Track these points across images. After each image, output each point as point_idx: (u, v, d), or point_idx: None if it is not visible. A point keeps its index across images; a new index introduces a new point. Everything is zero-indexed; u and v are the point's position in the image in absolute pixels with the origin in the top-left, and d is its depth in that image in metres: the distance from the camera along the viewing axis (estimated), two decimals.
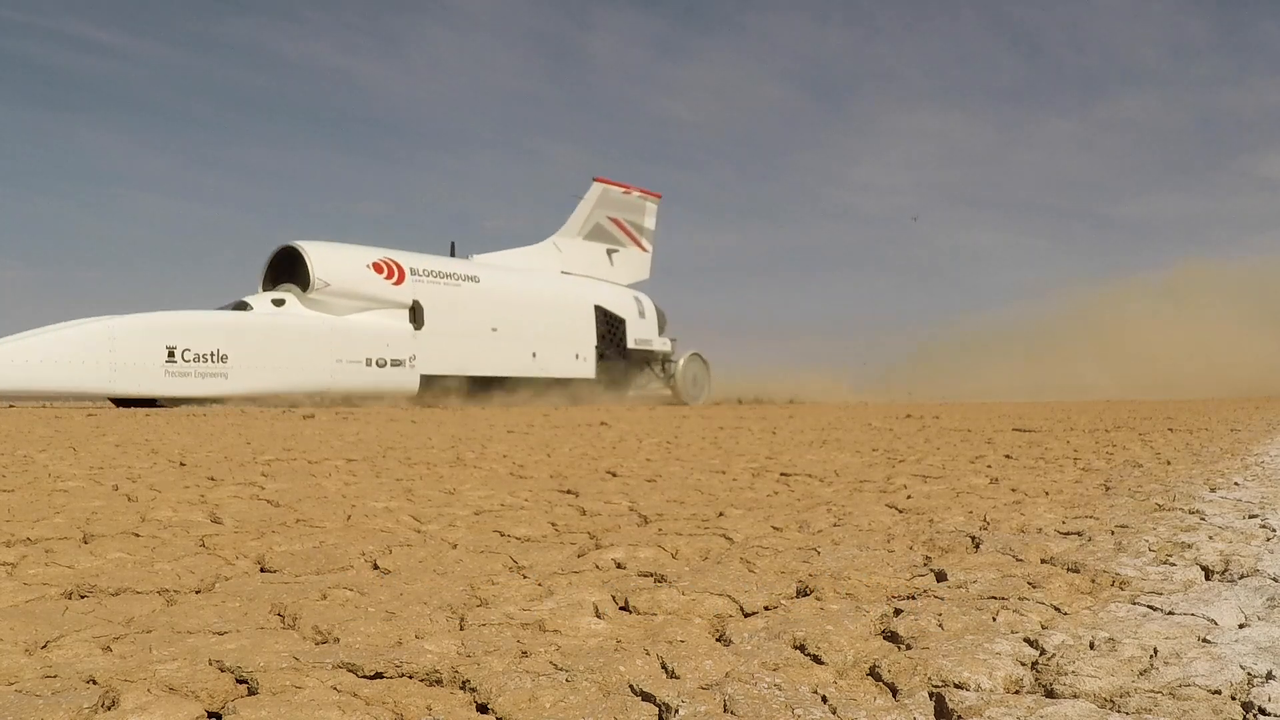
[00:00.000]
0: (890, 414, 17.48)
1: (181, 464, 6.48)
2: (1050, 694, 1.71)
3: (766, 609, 2.35)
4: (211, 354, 20.94)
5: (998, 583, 2.55)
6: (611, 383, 29.84)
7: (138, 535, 3.44)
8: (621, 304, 30.81)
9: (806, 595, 2.52)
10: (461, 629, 2.16)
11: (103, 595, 2.49)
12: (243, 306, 22.71)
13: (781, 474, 5.97)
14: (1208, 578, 2.63)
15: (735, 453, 7.83)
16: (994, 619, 2.18)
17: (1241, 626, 2.12)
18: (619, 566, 2.89)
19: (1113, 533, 3.37)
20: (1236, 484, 4.99)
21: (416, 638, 2.07)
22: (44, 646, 2.00)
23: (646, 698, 1.66)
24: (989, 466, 6.39)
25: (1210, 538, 3.23)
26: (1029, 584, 2.53)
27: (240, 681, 1.78)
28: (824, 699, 1.67)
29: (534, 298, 28.36)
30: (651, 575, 2.69)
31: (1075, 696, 1.67)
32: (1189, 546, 3.05)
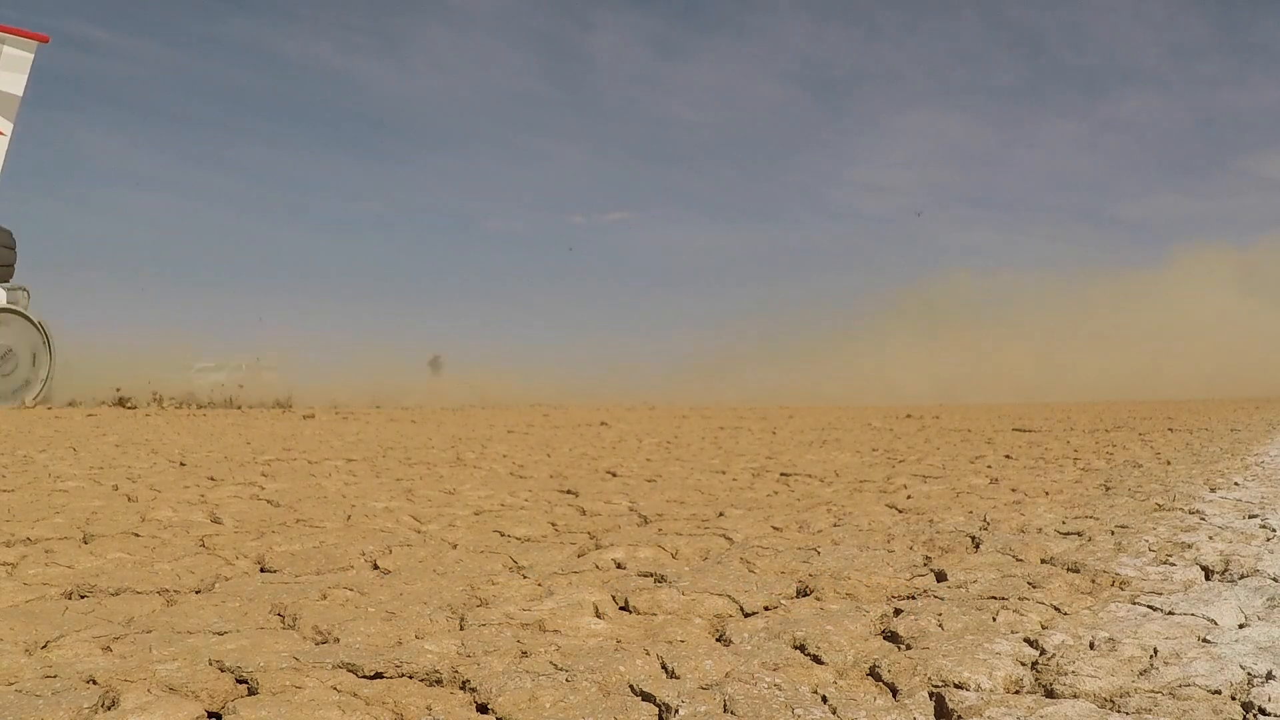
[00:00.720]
0: (889, 414, 17.49)
1: (181, 464, 6.49)
2: (1050, 694, 1.71)
3: (766, 609, 2.35)
4: None
5: (998, 583, 2.55)
6: None
7: (138, 535, 3.44)
8: None
9: (806, 595, 2.52)
10: (461, 629, 2.16)
11: (103, 595, 2.49)
12: None
13: (781, 474, 5.98)
14: (1208, 578, 2.63)
15: (735, 453, 7.83)
16: (994, 619, 2.18)
17: (1241, 626, 2.12)
18: (619, 566, 2.89)
19: (1113, 533, 3.37)
20: (1236, 484, 5.00)
21: (416, 638, 2.07)
22: (44, 646, 2.00)
23: (646, 698, 1.66)
24: (989, 466, 6.39)
25: (1210, 538, 3.23)
26: (1029, 584, 2.53)
27: (240, 681, 1.78)
28: (824, 699, 1.67)
29: None
30: (651, 575, 2.69)
31: (1075, 696, 1.67)
32: (1189, 546, 3.05)
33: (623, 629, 2.18)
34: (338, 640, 2.05)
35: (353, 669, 1.83)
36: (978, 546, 3.17)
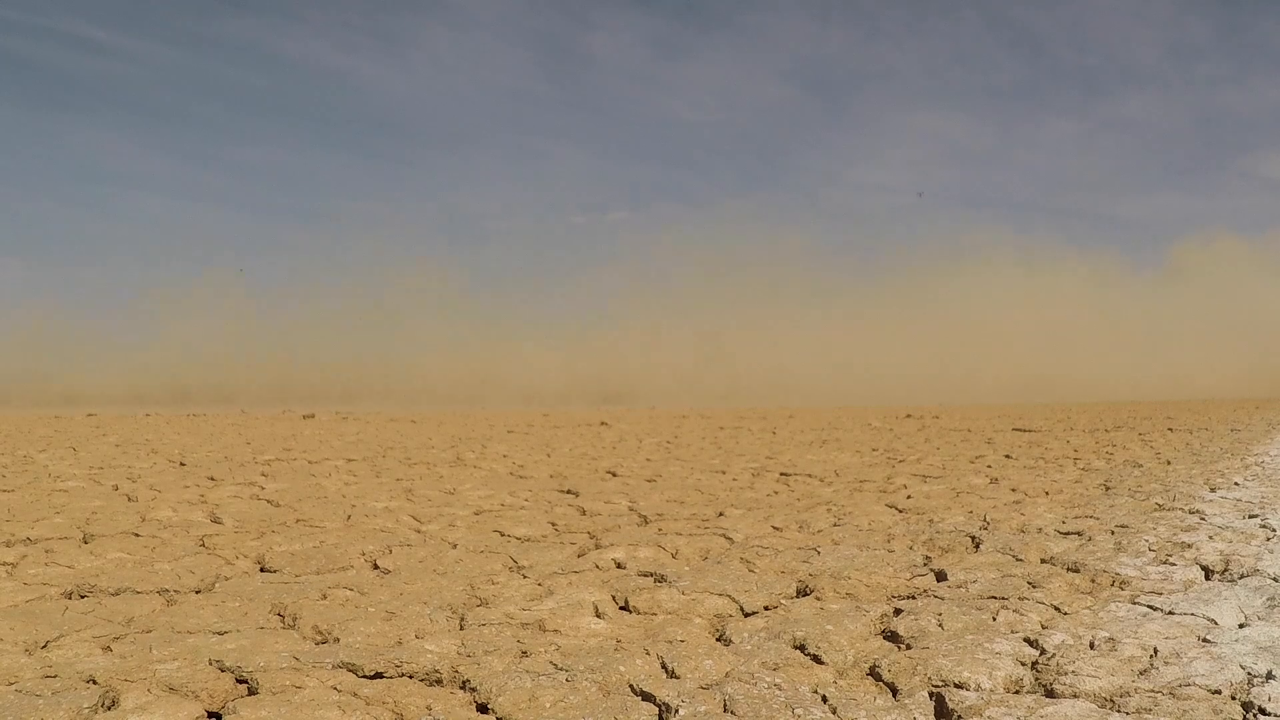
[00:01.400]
0: (889, 414, 17.48)
1: (181, 464, 6.49)
2: (1050, 694, 1.71)
3: (766, 609, 2.35)
4: None
5: (998, 582, 2.55)
6: None
7: (138, 535, 3.44)
8: None
9: (806, 595, 2.52)
10: (461, 629, 2.16)
11: (103, 595, 2.49)
12: None
13: (781, 474, 5.97)
14: (1208, 577, 2.63)
15: (735, 453, 7.83)
16: (994, 619, 2.18)
17: (1241, 626, 2.12)
18: (619, 566, 2.89)
19: (1113, 532, 3.37)
20: (1237, 484, 4.99)
21: (416, 638, 2.07)
22: (44, 646, 2.00)
23: (646, 698, 1.66)
24: (989, 466, 6.39)
25: (1210, 537, 3.23)
26: (1029, 584, 2.53)
27: (240, 681, 1.78)
28: (824, 699, 1.67)
29: None
30: (651, 575, 2.70)
31: (1075, 696, 1.67)
32: (1189, 546, 3.05)
33: (623, 629, 2.18)
34: (338, 640, 2.05)
35: (353, 669, 1.83)
36: (978, 546, 3.17)
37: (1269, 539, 3.20)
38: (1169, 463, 6.38)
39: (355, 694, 1.69)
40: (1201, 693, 1.66)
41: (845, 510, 4.14)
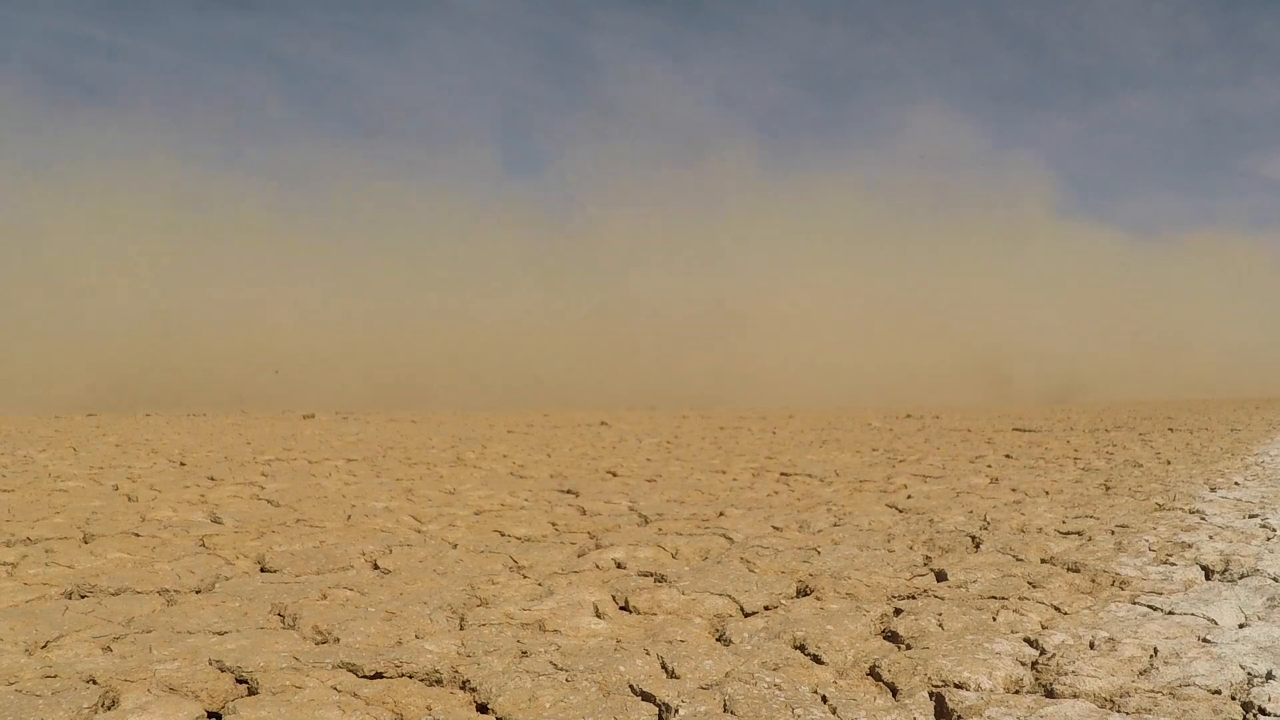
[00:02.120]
0: (889, 414, 17.50)
1: (181, 464, 6.49)
2: (1050, 694, 1.71)
3: (766, 609, 2.36)
4: None
5: (998, 582, 2.55)
6: None
7: (138, 535, 3.44)
8: None
9: (806, 595, 2.52)
10: (461, 629, 2.16)
11: (103, 595, 2.49)
12: None
13: (781, 474, 5.98)
14: (1208, 577, 2.63)
15: (735, 453, 7.84)
16: (994, 619, 2.18)
17: (1241, 626, 2.12)
18: (619, 566, 2.89)
19: (1113, 532, 3.37)
20: (1237, 484, 5.00)
21: (416, 638, 2.07)
22: (44, 646, 2.00)
23: (646, 698, 1.66)
24: (989, 466, 6.39)
25: (1210, 537, 3.23)
26: (1029, 584, 2.53)
27: (240, 681, 1.78)
28: (824, 699, 1.67)
29: None
30: (651, 575, 2.70)
31: (1075, 696, 1.68)
32: (1189, 546, 3.05)
33: (623, 629, 2.18)
34: (338, 640, 2.05)
35: (353, 669, 1.83)
36: (978, 546, 3.17)
37: (1269, 539, 3.21)
38: (1169, 462, 6.38)
39: (355, 694, 1.69)
40: (1201, 693, 1.67)
41: (845, 510, 4.14)
